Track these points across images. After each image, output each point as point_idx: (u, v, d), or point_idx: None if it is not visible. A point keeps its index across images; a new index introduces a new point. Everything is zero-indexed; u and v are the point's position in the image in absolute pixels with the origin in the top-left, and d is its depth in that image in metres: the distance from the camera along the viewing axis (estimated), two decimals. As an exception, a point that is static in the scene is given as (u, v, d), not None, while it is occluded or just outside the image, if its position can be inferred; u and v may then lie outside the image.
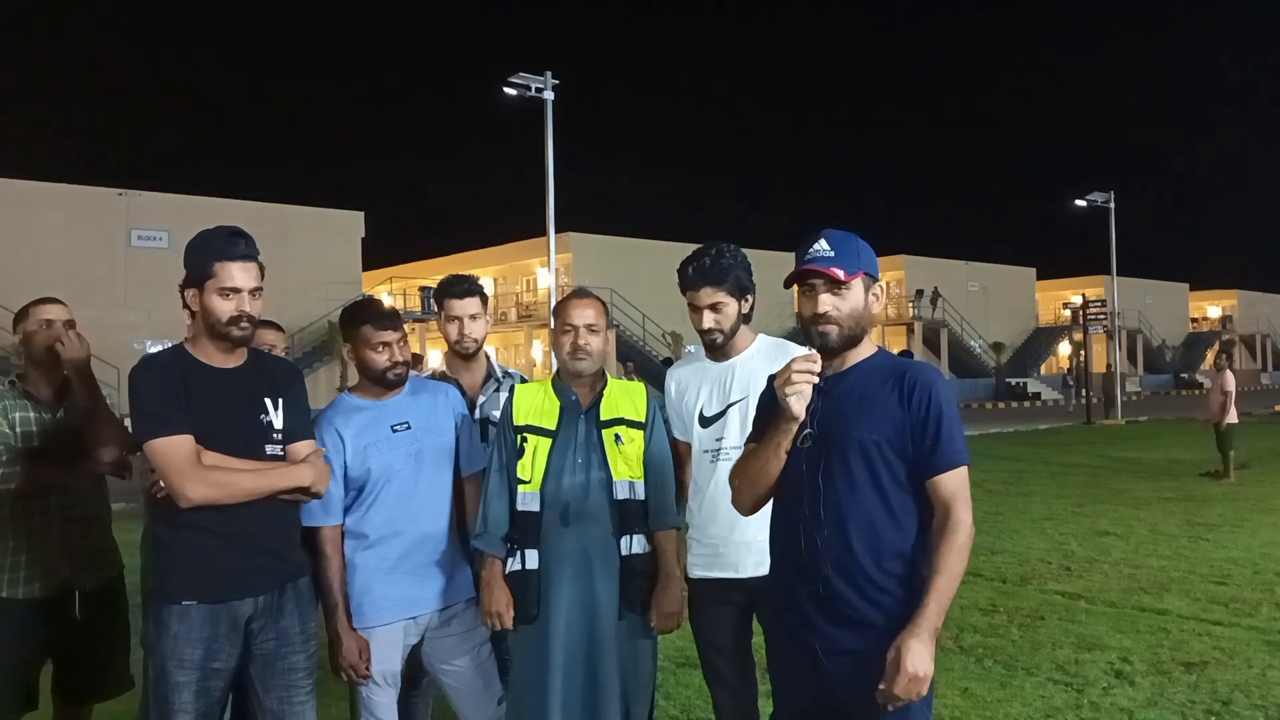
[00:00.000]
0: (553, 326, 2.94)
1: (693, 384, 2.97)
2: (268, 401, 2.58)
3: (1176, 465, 13.82)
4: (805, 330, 2.21)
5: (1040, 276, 49.37)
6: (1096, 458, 15.40)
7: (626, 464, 2.78)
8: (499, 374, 3.32)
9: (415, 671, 3.05)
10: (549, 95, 20.44)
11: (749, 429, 2.44)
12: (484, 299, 3.31)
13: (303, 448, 2.62)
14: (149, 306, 23.84)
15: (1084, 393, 27.90)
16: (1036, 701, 4.27)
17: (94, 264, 25.20)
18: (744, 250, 2.98)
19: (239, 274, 2.49)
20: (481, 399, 3.24)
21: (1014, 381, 40.52)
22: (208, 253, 2.50)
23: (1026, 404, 37.13)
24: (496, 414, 3.11)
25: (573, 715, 2.68)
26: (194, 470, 2.39)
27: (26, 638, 2.97)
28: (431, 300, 24.27)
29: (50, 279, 17.64)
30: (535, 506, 2.76)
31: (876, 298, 2.23)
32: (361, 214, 31.29)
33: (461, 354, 3.27)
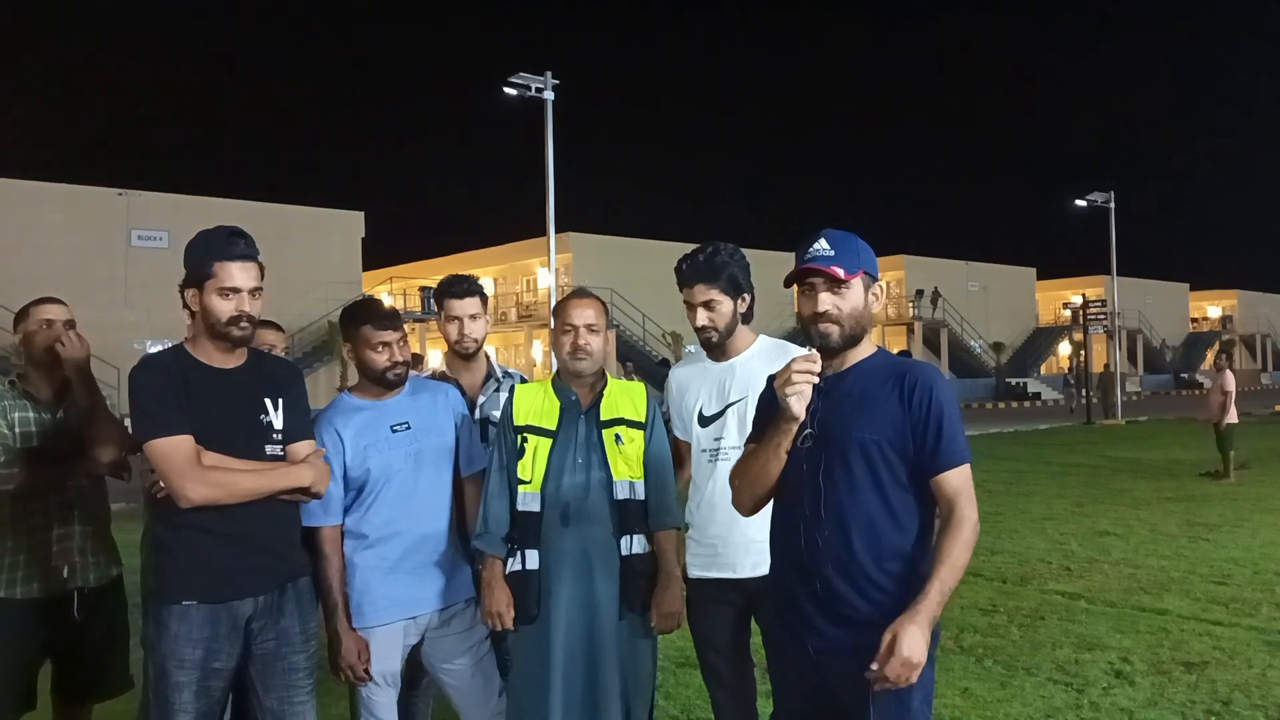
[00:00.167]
0: (553, 326, 2.94)
1: (693, 384, 2.97)
2: (268, 402, 2.58)
3: (1176, 465, 13.82)
4: (805, 330, 2.21)
5: (1040, 276, 49.40)
6: (1096, 458, 15.40)
7: (626, 464, 2.78)
8: (499, 374, 3.32)
9: (415, 671, 3.05)
10: (549, 95, 20.44)
11: (748, 429, 2.44)
12: (484, 299, 3.31)
13: (303, 448, 2.62)
14: (149, 306, 23.85)
15: (1084, 393, 27.91)
16: (1036, 701, 4.27)
17: (94, 264, 25.20)
18: (744, 250, 2.98)
19: (238, 274, 2.49)
20: (481, 399, 3.24)
21: (1014, 381, 40.52)
22: (207, 253, 2.50)
23: (1026, 404, 37.13)
24: (496, 414, 3.11)
25: (573, 715, 2.68)
26: (194, 470, 2.39)
27: (26, 638, 2.97)
28: (431, 300, 24.29)
29: (50, 279, 17.60)
30: (536, 506, 2.76)
31: (876, 297, 2.23)
32: (361, 214, 31.32)
33: (461, 354, 3.27)
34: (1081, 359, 30.56)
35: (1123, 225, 29.65)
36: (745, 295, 2.88)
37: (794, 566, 2.17)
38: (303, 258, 26.64)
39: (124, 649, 3.23)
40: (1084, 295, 33.06)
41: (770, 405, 2.20)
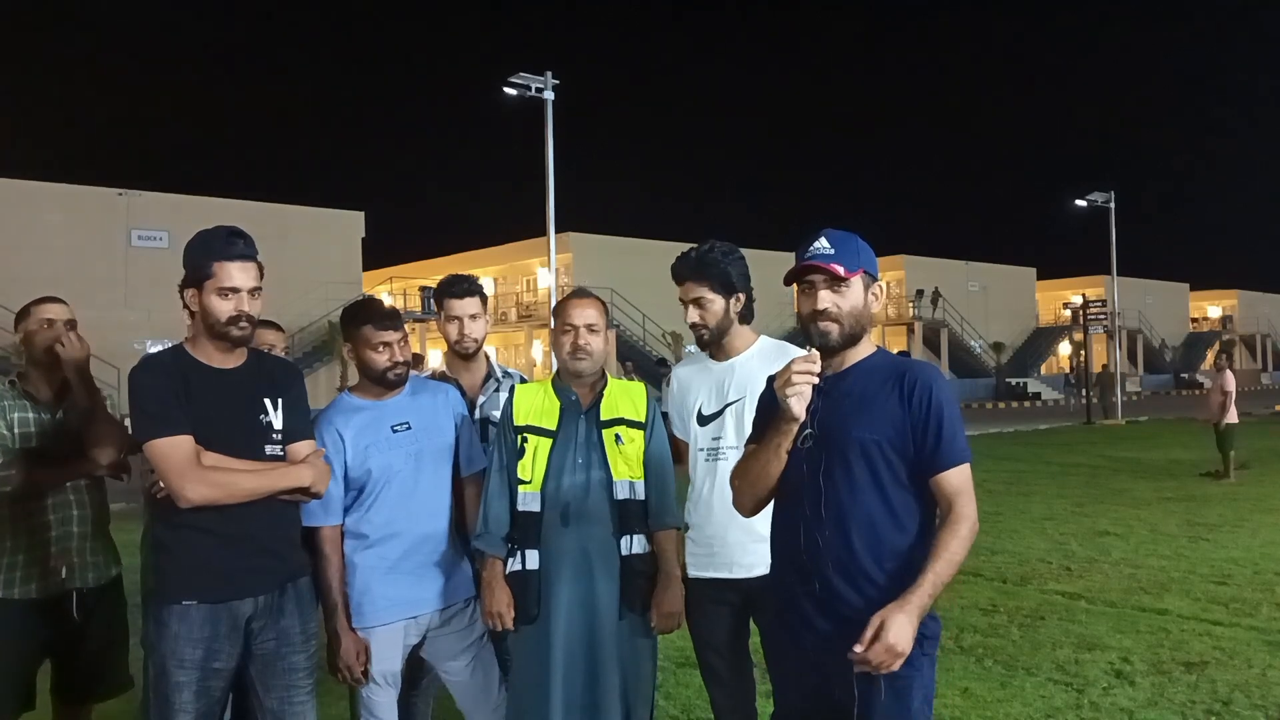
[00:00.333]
0: (553, 326, 2.94)
1: (693, 383, 2.97)
2: (267, 402, 2.58)
3: (1176, 465, 13.82)
4: (804, 328, 2.21)
5: (1040, 276, 49.40)
6: (1096, 458, 15.40)
7: (627, 464, 2.78)
8: (499, 374, 3.32)
9: (415, 671, 3.05)
10: (549, 95, 20.44)
11: (746, 429, 2.44)
12: (484, 299, 3.31)
13: (302, 448, 2.62)
14: (149, 306, 23.85)
15: (1084, 393, 27.92)
16: (1037, 701, 4.27)
17: (94, 264, 25.20)
18: (744, 250, 2.99)
19: (237, 274, 2.49)
20: (481, 399, 3.23)
21: (1014, 381, 40.52)
22: (206, 253, 2.50)
23: (1026, 404, 37.13)
24: (496, 414, 3.11)
25: (573, 715, 2.68)
26: (193, 471, 2.39)
27: (25, 638, 2.97)
28: (431, 300, 24.28)
29: (50, 279, 17.57)
30: (536, 507, 2.76)
31: (876, 297, 2.23)
32: (361, 214, 31.31)
33: (461, 354, 3.27)
34: (1082, 359, 30.56)
35: (1123, 225, 29.70)
36: (739, 295, 2.88)
37: (794, 566, 2.17)
38: (303, 258, 26.63)
39: (123, 649, 3.23)
40: (1084, 295, 33.07)
41: (770, 406, 2.19)
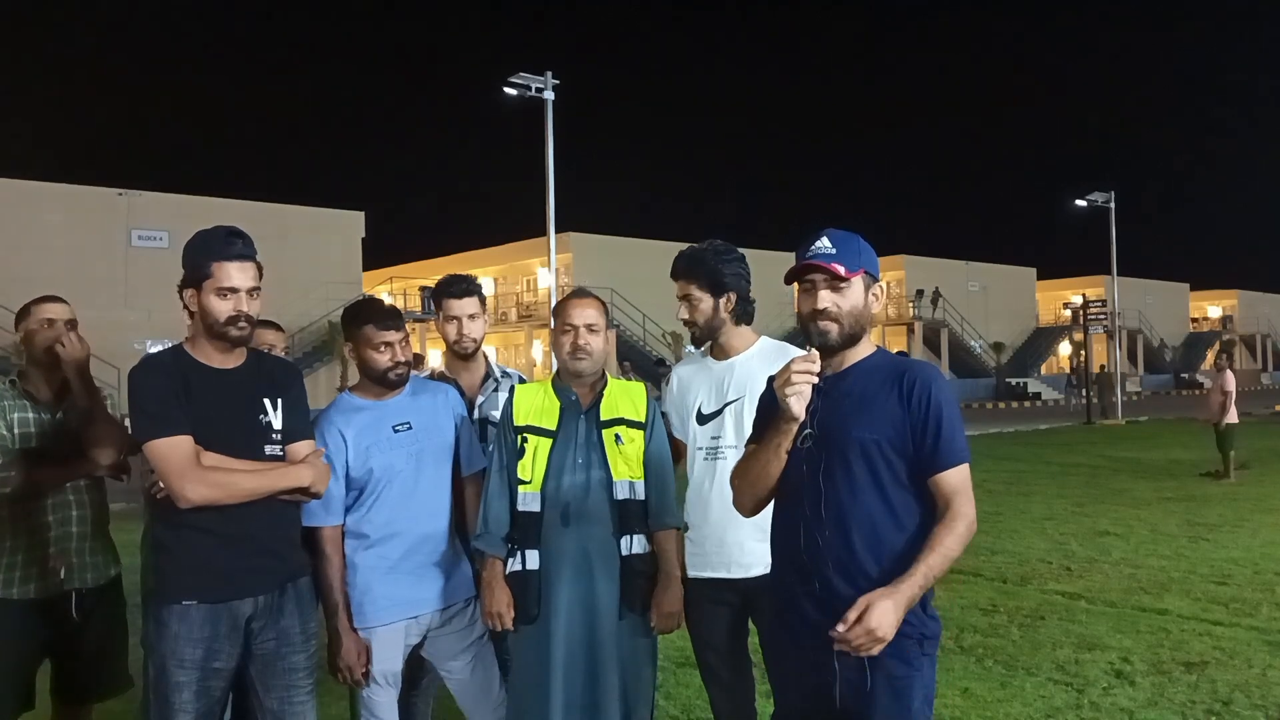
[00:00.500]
0: (553, 326, 2.94)
1: (694, 382, 2.98)
2: (267, 402, 2.58)
3: (1177, 465, 13.82)
4: (804, 327, 2.21)
5: (1040, 276, 49.40)
6: (1097, 458, 15.40)
7: (627, 464, 2.78)
8: (497, 374, 3.32)
9: (415, 671, 3.05)
10: (549, 95, 20.44)
11: (745, 429, 2.44)
12: (482, 299, 3.30)
13: (302, 448, 2.62)
14: (149, 306, 23.85)
15: (1084, 393, 27.93)
16: (1037, 701, 4.27)
17: (94, 264, 25.20)
18: (744, 250, 3.00)
19: (236, 274, 2.49)
20: (480, 399, 3.23)
21: (1014, 381, 40.53)
22: (205, 253, 2.50)
23: (1026, 404, 37.13)
24: (495, 414, 3.12)
25: (573, 715, 2.68)
26: (193, 471, 2.39)
27: (24, 638, 2.97)
28: (430, 300, 24.27)
29: (50, 279, 17.53)
30: (536, 507, 2.76)
31: (876, 298, 2.23)
32: (361, 214, 31.31)
33: (460, 354, 3.27)
34: (1082, 359, 30.57)
35: (1123, 225, 29.70)
36: (729, 295, 2.89)
37: (794, 567, 2.17)
38: (303, 258, 26.64)
39: (123, 649, 3.23)
40: (1084, 295, 33.07)
41: (770, 406, 2.19)
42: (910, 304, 40.21)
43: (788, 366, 2.09)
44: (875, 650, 1.94)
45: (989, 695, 4.34)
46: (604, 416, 2.81)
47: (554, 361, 2.94)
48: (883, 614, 1.91)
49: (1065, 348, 44.32)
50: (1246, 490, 11.01)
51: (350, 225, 30.91)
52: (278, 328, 3.55)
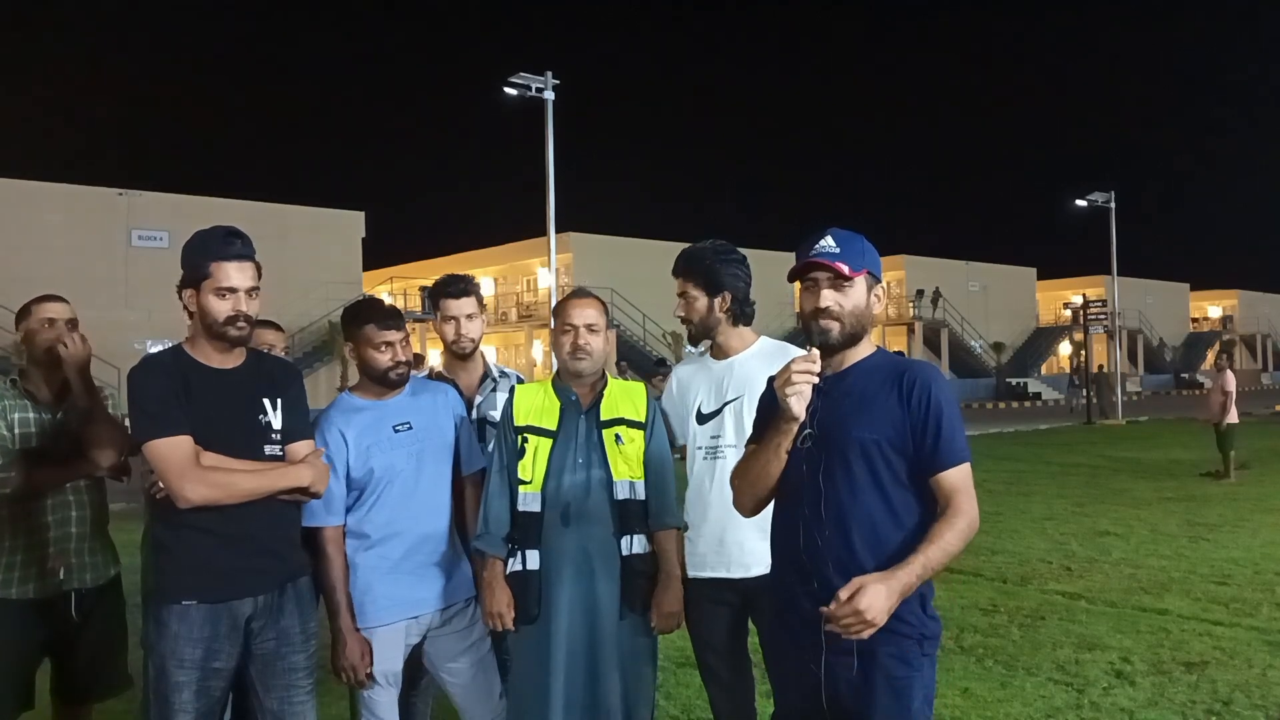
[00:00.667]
0: (553, 326, 2.94)
1: (693, 382, 2.98)
2: (266, 402, 2.58)
3: (1177, 465, 13.82)
4: (805, 326, 2.21)
5: (1040, 276, 49.38)
6: (1097, 458, 15.40)
7: (627, 464, 2.78)
8: (496, 374, 3.32)
9: (415, 671, 3.05)
10: (549, 95, 20.43)
11: (745, 428, 2.44)
12: (480, 299, 3.30)
13: (302, 448, 2.62)
14: (149, 306, 23.85)
15: (1085, 393, 27.93)
16: (1037, 701, 4.27)
17: (94, 264, 25.20)
18: (744, 250, 3.00)
19: (235, 274, 2.49)
20: (478, 399, 3.23)
21: (1014, 381, 40.52)
22: (204, 253, 2.50)
23: (1027, 404, 37.13)
24: (494, 414, 3.12)
25: (573, 715, 2.68)
26: (193, 471, 2.39)
27: (24, 638, 2.97)
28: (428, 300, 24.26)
29: (50, 279, 17.52)
30: (536, 507, 2.76)
31: (878, 299, 2.23)
32: (361, 214, 31.31)
33: (458, 354, 3.27)
34: (1082, 359, 30.57)
35: (1123, 225, 29.68)
36: (725, 294, 2.89)
37: (794, 567, 2.17)
38: (303, 258, 26.65)
39: (123, 649, 3.23)
40: (1084, 295, 33.07)
41: (770, 406, 2.19)
42: (910, 304, 40.21)
43: (788, 366, 2.09)
44: (865, 634, 1.90)
45: (989, 695, 4.34)
46: (604, 416, 2.81)
47: (554, 361, 2.94)
48: (874, 596, 1.87)
49: (1065, 348, 44.31)
50: (1247, 490, 11.01)
51: (350, 225, 30.92)
52: (277, 328, 3.55)
